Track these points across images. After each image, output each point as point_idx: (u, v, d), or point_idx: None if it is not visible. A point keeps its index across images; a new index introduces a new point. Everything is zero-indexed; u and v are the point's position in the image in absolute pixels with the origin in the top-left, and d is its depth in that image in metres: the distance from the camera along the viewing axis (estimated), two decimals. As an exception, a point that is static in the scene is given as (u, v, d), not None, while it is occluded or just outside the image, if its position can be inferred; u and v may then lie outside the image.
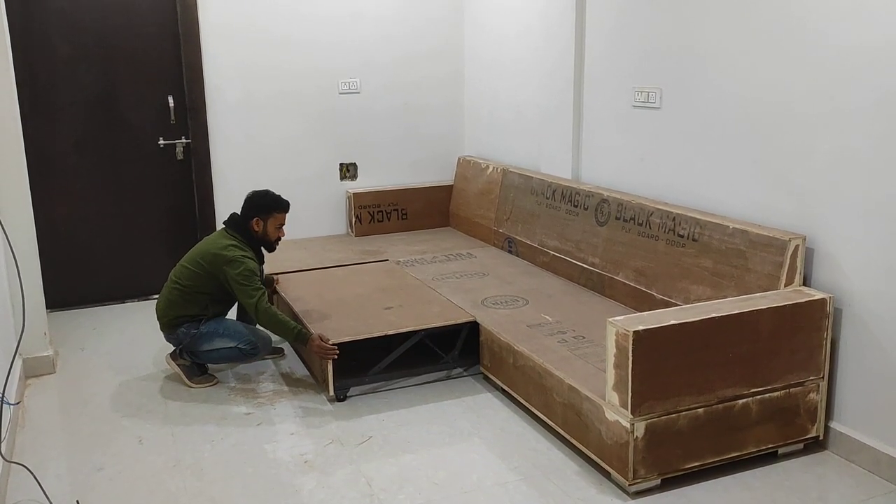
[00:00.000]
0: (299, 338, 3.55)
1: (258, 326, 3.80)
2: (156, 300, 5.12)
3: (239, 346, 3.74)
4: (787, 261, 3.00)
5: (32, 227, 3.93)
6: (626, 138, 4.05)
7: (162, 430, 3.38)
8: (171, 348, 3.89)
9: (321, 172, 5.36)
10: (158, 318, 3.82)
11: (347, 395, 3.61)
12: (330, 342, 3.45)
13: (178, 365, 3.82)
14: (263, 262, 3.91)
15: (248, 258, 3.65)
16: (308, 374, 3.90)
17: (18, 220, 3.80)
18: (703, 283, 3.36)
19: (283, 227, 3.84)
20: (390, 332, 3.60)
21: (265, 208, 3.78)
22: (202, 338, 3.74)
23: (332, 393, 3.54)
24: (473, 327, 3.73)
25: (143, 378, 3.91)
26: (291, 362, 4.08)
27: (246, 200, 3.82)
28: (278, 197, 3.82)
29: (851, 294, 2.94)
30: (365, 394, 3.66)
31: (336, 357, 3.45)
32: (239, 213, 3.81)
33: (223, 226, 3.84)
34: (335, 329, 3.60)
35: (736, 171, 3.39)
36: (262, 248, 3.86)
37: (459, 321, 3.72)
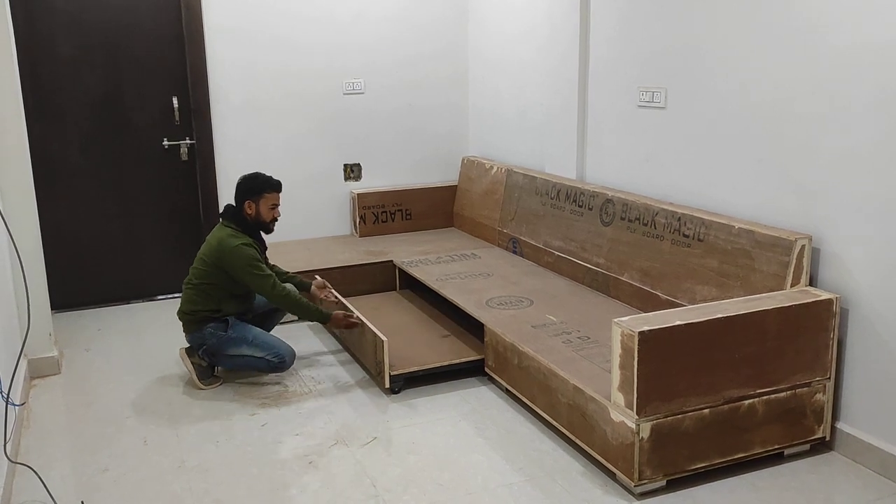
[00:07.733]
0: (321, 318, 3.73)
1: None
2: (161, 301, 5.18)
3: (268, 357, 3.73)
4: (793, 261, 2.99)
5: (37, 228, 3.93)
6: (631, 138, 4.03)
7: (167, 430, 3.38)
8: (184, 344, 3.86)
9: (325, 173, 5.35)
10: (181, 320, 3.80)
11: (401, 388, 3.67)
12: (353, 317, 3.76)
13: (193, 363, 3.77)
14: (266, 249, 3.89)
15: (246, 245, 3.66)
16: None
17: (23, 221, 3.80)
18: (708, 283, 3.35)
19: (278, 208, 3.82)
20: (455, 361, 3.75)
21: (255, 190, 3.76)
22: (230, 342, 3.73)
23: (387, 385, 3.59)
24: None
25: (148, 379, 3.91)
26: (296, 364, 4.06)
27: (237, 185, 3.80)
28: (268, 177, 3.80)
29: (858, 294, 2.93)
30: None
31: (358, 325, 3.75)
32: (233, 201, 3.80)
33: (220, 219, 3.83)
34: (404, 358, 3.73)
35: (741, 170, 3.38)
36: (262, 232, 3.84)
37: None
